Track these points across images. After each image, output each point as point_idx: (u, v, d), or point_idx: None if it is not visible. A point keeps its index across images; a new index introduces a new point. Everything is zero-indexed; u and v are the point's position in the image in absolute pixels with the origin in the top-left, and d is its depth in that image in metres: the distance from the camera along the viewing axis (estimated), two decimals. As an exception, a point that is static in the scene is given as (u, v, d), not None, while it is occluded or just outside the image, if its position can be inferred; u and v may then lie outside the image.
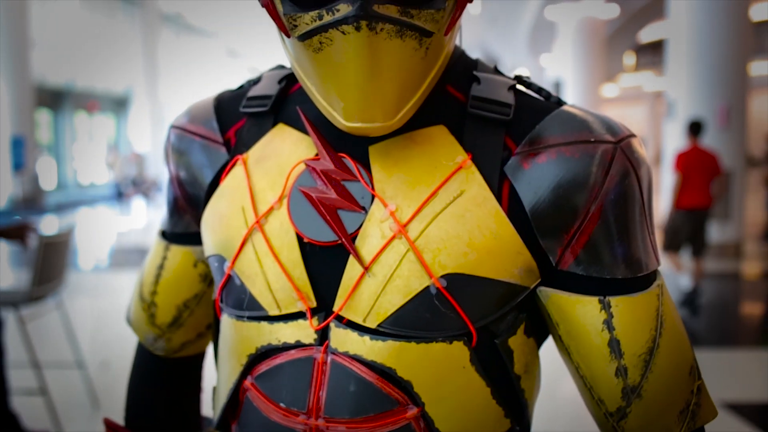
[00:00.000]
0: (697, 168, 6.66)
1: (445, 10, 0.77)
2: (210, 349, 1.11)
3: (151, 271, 1.06)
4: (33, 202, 15.80)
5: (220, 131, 0.97)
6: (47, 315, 5.55)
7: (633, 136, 0.83)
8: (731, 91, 9.33)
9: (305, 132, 0.89)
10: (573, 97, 16.78)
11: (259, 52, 31.05)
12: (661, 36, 21.37)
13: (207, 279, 1.05)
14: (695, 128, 6.88)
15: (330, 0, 0.74)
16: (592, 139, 0.80)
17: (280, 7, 0.77)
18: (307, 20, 0.75)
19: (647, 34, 23.93)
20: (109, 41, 22.13)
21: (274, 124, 0.93)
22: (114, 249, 11.17)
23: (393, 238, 0.79)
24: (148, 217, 15.88)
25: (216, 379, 0.99)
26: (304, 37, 0.76)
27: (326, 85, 0.78)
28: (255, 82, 1.01)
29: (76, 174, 20.72)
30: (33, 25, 16.33)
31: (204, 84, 28.58)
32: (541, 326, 0.90)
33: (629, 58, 27.63)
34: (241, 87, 1.03)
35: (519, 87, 0.90)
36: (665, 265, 6.93)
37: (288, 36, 0.79)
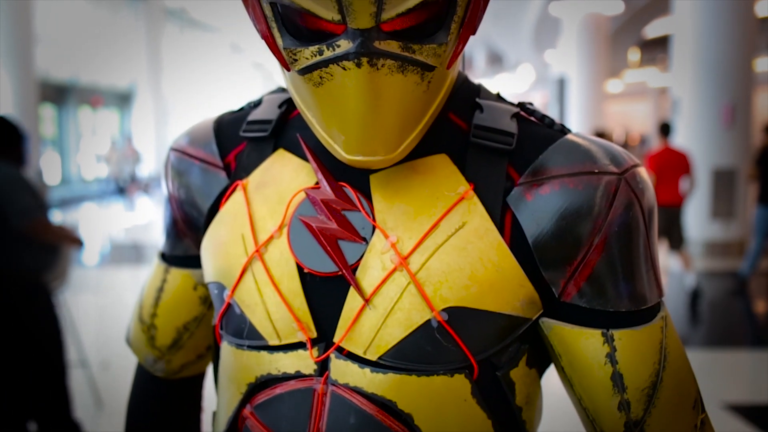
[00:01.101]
0: (669, 167, 7.04)
1: (448, 45, 0.76)
2: (210, 369, 1.11)
3: (151, 294, 1.06)
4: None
5: (220, 155, 0.96)
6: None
7: (637, 165, 0.82)
8: (736, 89, 9.30)
9: (305, 158, 0.89)
10: (577, 94, 16.74)
11: (263, 48, 31.00)
12: (665, 32, 21.32)
13: (207, 301, 1.04)
14: (665, 129, 7.28)
15: (330, 35, 0.73)
16: (596, 170, 0.79)
17: (279, 41, 0.76)
18: (307, 55, 0.74)
19: (652, 30, 23.87)
20: (113, 36, 22.13)
21: (274, 149, 0.93)
22: (117, 245, 11.18)
23: (394, 270, 0.79)
24: (151, 213, 15.89)
25: (216, 402, 0.98)
26: (304, 72, 0.75)
27: (327, 119, 0.77)
28: (255, 104, 1.01)
29: (80, 169, 20.72)
30: (37, 20, 16.32)
31: (208, 79, 28.58)
32: (543, 356, 0.89)
33: (634, 54, 27.55)
34: (241, 109, 1.02)
35: (522, 114, 0.89)
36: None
37: (288, 69, 0.78)
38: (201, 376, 1.13)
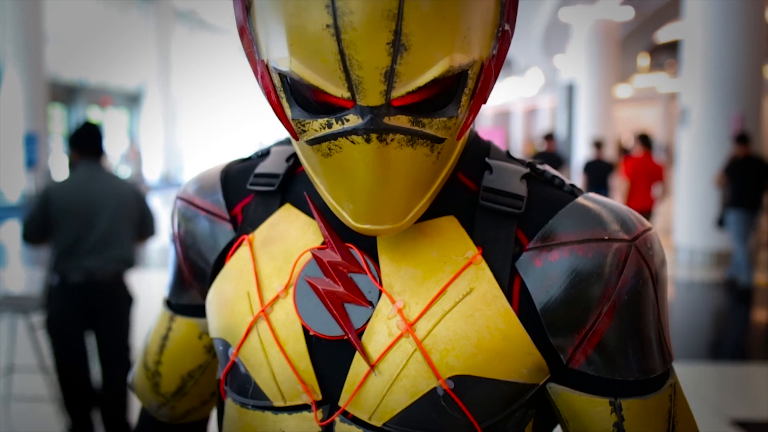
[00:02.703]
0: (643, 175, 7.96)
1: (458, 117, 0.75)
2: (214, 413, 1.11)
3: (156, 341, 1.05)
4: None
5: (227, 206, 0.96)
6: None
7: (648, 230, 0.81)
8: (746, 96, 9.26)
9: (312, 215, 0.88)
10: (586, 99, 16.72)
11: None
12: (676, 37, 21.26)
13: (212, 350, 1.04)
14: (645, 140, 8.32)
15: (340, 109, 0.72)
16: (606, 237, 0.78)
17: (288, 111, 0.75)
18: (316, 127, 0.73)
19: (662, 35, 23.81)
20: (124, 37, 22.23)
21: (281, 204, 0.92)
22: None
23: (400, 336, 0.78)
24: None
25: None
26: (313, 142, 0.75)
27: (335, 188, 0.77)
28: (263, 154, 1.00)
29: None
30: (47, 21, 16.39)
31: (217, 80, 28.65)
32: (549, 419, 0.88)
33: (643, 60, 27.49)
34: (249, 158, 1.01)
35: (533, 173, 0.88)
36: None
37: (296, 139, 0.78)
38: (205, 421, 1.13)
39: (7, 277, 8.94)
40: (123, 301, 3.79)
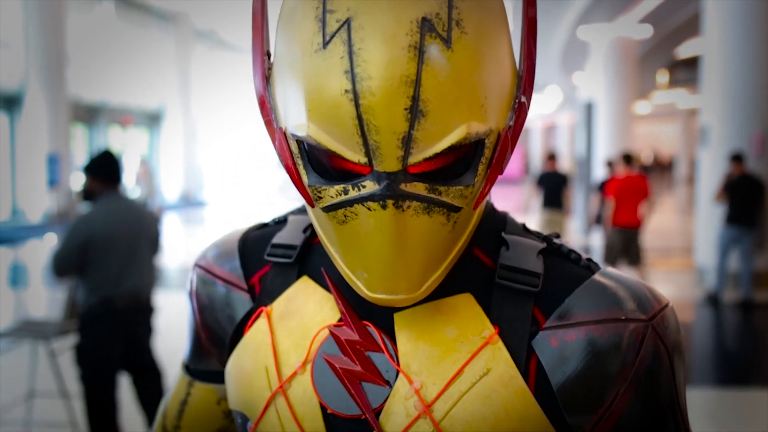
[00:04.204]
0: (629, 193, 8.16)
1: (475, 186, 0.75)
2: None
3: (175, 405, 1.06)
4: (66, 216, 16.05)
5: (245, 275, 0.96)
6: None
7: (665, 307, 0.81)
8: (767, 115, 9.18)
9: (329, 289, 0.88)
10: (605, 115, 16.65)
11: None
12: (695, 53, 21.15)
13: (230, 416, 1.04)
14: (627, 159, 8.50)
15: (356, 175, 0.73)
16: (623, 317, 0.78)
17: (304, 177, 0.76)
18: (332, 193, 0.74)
19: (682, 51, 23.70)
20: (144, 57, 22.49)
21: (298, 275, 0.93)
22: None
23: (418, 417, 0.78)
24: (180, 238, 16.01)
25: None
26: (329, 209, 0.75)
27: (350, 257, 0.77)
28: (280, 221, 1.01)
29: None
30: (69, 43, 16.61)
31: (236, 99, 28.86)
32: None
33: (662, 76, 27.38)
34: (266, 224, 1.02)
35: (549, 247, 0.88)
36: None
37: (312, 206, 0.78)
38: None
39: (29, 298, 9.02)
40: (152, 316, 4.15)
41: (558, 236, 0.89)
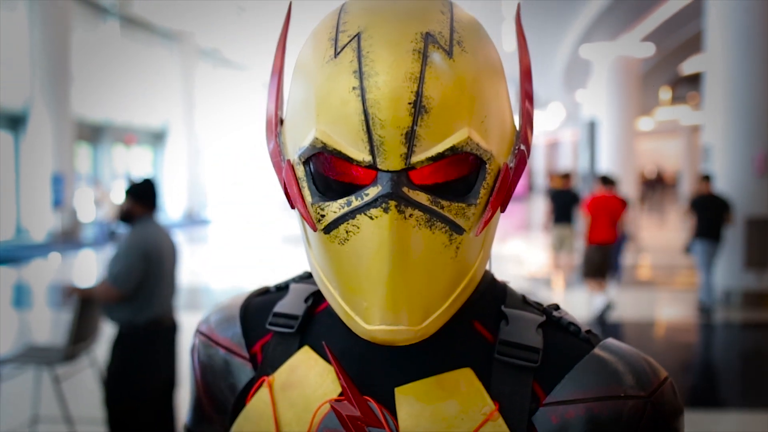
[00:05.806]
0: (604, 211, 8.67)
1: (477, 207, 0.76)
2: None
3: None
4: (71, 235, 16.08)
5: (246, 344, 0.96)
6: (82, 372, 5.59)
7: (664, 381, 0.82)
8: (769, 132, 9.23)
9: (330, 362, 0.88)
10: (608, 132, 16.70)
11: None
12: (698, 69, 21.22)
13: None
14: (604, 180, 8.93)
15: (359, 187, 0.74)
16: (622, 394, 0.79)
17: (309, 198, 0.77)
18: (335, 208, 0.75)
19: (685, 68, 23.78)
20: (147, 75, 22.61)
21: (300, 345, 0.92)
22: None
23: None
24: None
25: None
26: (331, 228, 0.76)
27: (349, 284, 0.77)
28: (281, 288, 1.01)
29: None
30: (73, 61, 16.71)
31: (240, 117, 28.97)
32: None
33: (665, 93, 27.45)
34: (268, 291, 1.02)
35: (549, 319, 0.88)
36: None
37: (314, 229, 0.78)
38: None
39: (33, 320, 9.01)
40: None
41: (557, 308, 0.90)
